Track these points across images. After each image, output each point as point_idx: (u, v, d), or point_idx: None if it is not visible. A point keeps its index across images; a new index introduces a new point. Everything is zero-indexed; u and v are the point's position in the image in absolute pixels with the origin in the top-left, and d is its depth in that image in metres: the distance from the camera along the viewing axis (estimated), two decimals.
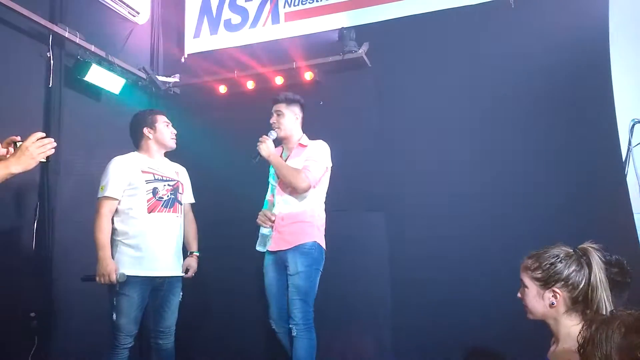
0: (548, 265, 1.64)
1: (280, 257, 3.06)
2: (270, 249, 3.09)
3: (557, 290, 1.62)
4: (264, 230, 3.13)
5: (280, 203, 3.12)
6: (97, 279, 2.74)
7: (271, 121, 3.23)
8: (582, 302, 1.62)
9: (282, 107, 3.22)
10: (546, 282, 1.64)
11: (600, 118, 3.25)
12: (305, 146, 3.23)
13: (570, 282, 1.62)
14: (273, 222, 3.06)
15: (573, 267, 1.63)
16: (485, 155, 3.46)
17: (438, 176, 3.54)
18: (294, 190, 3.07)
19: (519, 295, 1.71)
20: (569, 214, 3.15)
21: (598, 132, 3.24)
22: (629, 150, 3.26)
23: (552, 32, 3.40)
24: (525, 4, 3.50)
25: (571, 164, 3.26)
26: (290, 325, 2.93)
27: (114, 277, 2.72)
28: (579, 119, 3.29)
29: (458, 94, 3.58)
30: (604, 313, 1.56)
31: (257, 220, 3.13)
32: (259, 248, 3.17)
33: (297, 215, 3.07)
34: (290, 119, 3.23)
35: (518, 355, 2.80)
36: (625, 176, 3.21)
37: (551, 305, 1.63)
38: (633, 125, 3.28)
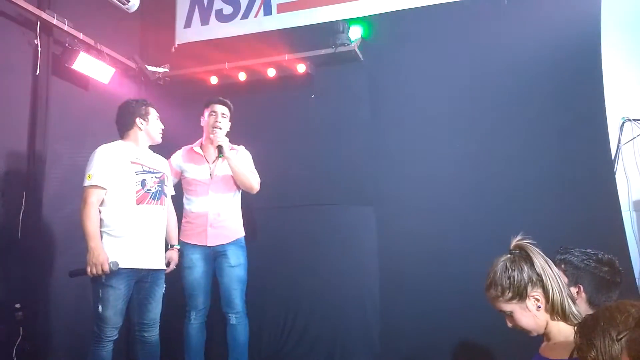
0: (509, 281, 1.65)
1: (214, 251, 3.23)
2: (207, 244, 3.21)
3: (533, 293, 1.64)
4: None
5: (215, 199, 3.26)
6: (88, 269, 2.67)
7: (216, 120, 3.28)
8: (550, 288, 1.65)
9: (228, 112, 3.35)
10: (520, 295, 1.64)
11: (590, 115, 3.27)
12: (236, 150, 3.34)
13: (533, 279, 1.64)
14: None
15: (524, 267, 1.65)
16: (476, 152, 3.47)
17: (429, 171, 3.55)
18: (230, 189, 3.28)
19: (510, 325, 1.70)
20: (558, 211, 3.18)
21: (588, 129, 3.27)
22: (618, 148, 3.29)
23: (544, 29, 3.40)
24: (517, 1, 3.50)
25: (561, 162, 3.28)
26: (230, 314, 3.18)
27: (107, 267, 2.66)
28: (570, 116, 3.31)
29: (449, 89, 3.59)
30: (555, 297, 1.61)
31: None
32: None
33: (231, 212, 3.30)
34: (228, 125, 3.35)
35: (508, 351, 2.82)
36: (614, 174, 3.24)
37: (538, 308, 1.64)
38: (623, 123, 3.31)
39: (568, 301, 1.63)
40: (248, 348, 3.29)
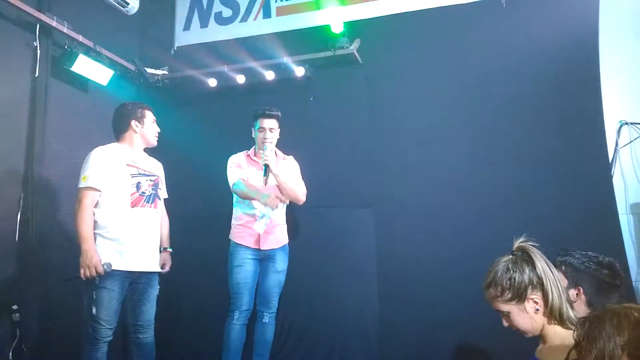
0: (509, 282, 1.64)
1: (264, 254, 3.32)
2: (260, 248, 3.27)
3: (533, 296, 1.63)
4: (269, 212, 3.21)
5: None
6: (82, 271, 2.66)
7: (265, 137, 3.30)
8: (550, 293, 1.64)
9: (276, 124, 3.35)
10: (519, 297, 1.64)
11: (588, 119, 3.28)
12: (286, 159, 3.44)
13: (534, 282, 1.63)
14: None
15: (526, 269, 1.64)
16: (474, 154, 3.48)
17: (427, 173, 3.55)
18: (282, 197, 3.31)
19: (506, 324, 1.70)
20: (556, 214, 3.18)
21: (585, 133, 3.28)
22: (615, 151, 3.30)
23: (542, 33, 3.41)
24: (516, 4, 3.52)
25: (558, 164, 3.29)
26: (265, 313, 3.33)
27: (100, 269, 2.66)
28: (567, 119, 3.32)
29: (448, 92, 3.59)
30: (555, 301, 1.61)
31: (271, 202, 3.14)
32: (261, 230, 3.22)
33: (281, 218, 3.41)
34: (277, 135, 3.38)
35: (505, 353, 2.81)
36: (611, 177, 3.25)
37: (536, 311, 1.63)
38: (620, 127, 3.32)
39: (566, 306, 1.63)
40: (245, 349, 3.31)
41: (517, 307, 1.65)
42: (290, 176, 3.36)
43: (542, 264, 1.65)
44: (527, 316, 1.64)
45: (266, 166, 3.21)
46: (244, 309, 3.27)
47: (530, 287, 1.63)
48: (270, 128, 3.32)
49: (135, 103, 3.13)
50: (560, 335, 1.60)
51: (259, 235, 3.27)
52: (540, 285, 1.63)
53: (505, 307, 1.67)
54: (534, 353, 1.70)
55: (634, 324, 1.16)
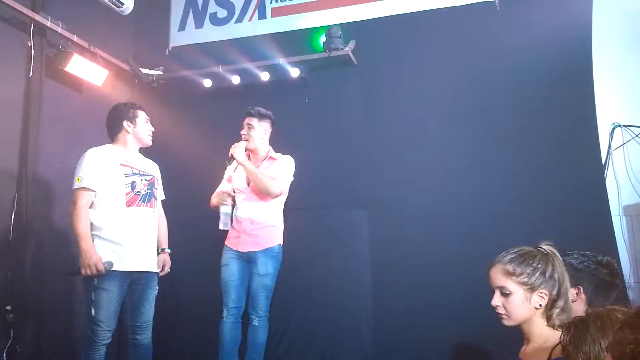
0: (531, 269, 1.64)
1: (247, 256, 3.32)
2: (239, 250, 3.31)
3: (544, 291, 1.64)
4: (226, 210, 3.31)
5: (250, 208, 3.34)
6: (83, 271, 2.67)
7: (241, 132, 3.39)
8: (557, 299, 1.66)
9: (253, 120, 3.40)
10: (533, 286, 1.64)
11: (581, 121, 3.31)
12: (276, 159, 3.45)
13: (552, 282, 1.64)
14: (232, 197, 3.36)
15: (550, 267, 1.65)
16: (468, 156, 3.49)
17: (421, 175, 3.56)
18: (264, 197, 3.32)
19: (498, 302, 1.68)
20: (549, 215, 3.19)
21: (579, 135, 3.30)
22: (608, 153, 3.33)
23: (536, 35, 3.43)
24: (510, 7, 3.54)
25: (551, 166, 3.31)
26: (253, 316, 3.28)
27: (101, 267, 2.66)
28: (561, 122, 3.34)
29: (442, 94, 3.60)
30: (556, 309, 1.62)
31: (219, 200, 3.34)
32: (224, 227, 3.33)
33: (266, 220, 3.35)
34: (259, 133, 3.41)
35: (498, 354, 2.83)
36: (604, 179, 3.27)
37: (538, 307, 1.64)
38: (613, 129, 3.35)
39: (557, 312, 1.64)
40: (238, 349, 3.32)
41: (524, 293, 1.64)
42: (268, 170, 3.35)
43: (563, 271, 1.67)
44: (528, 306, 1.64)
45: (232, 156, 3.24)
46: (232, 306, 3.28)
47: (548, 283, 1.64)
48: (247, 124, 3.38)
49: (127, 104, 3.14)
50: (545, 337, 1.62)
51: (240, 237, 3.31)
52: (555, 288, 1.64)
53: (512, 287, 1.66)
54: (518, 355, 1.72)
55: (617, 326, 1.18)
